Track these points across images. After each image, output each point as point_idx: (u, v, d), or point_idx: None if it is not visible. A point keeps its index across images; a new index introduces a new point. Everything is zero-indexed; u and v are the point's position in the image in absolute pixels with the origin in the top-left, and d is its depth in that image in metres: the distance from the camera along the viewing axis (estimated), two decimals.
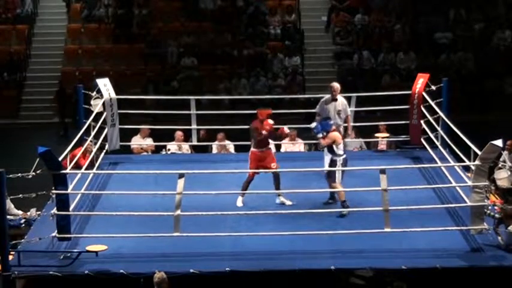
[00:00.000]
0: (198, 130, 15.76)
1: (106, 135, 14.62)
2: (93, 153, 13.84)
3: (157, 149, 16.42)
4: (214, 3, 25.32)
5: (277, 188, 12.37)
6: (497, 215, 11.09)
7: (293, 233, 11.18)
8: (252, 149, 12.74)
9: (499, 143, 10.81)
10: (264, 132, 12.56)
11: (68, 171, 11.20)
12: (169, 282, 9.74)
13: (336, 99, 13.66)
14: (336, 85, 13.83)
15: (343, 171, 12.06)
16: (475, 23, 24.97)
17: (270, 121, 12.68)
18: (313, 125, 12.52)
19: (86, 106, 14.70)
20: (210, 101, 21.05)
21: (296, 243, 11.02)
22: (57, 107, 23.26)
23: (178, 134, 16.12)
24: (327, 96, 13.78)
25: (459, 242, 11.07)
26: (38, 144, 10.90)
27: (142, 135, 16.34)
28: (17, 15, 25.32)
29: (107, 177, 13.57)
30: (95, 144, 14.07)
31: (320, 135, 12.20)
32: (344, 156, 12.20)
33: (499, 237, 10.93)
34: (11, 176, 10.38)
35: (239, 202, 12.36)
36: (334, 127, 12.46)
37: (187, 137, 15.95)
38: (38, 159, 10.73)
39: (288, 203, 12.36)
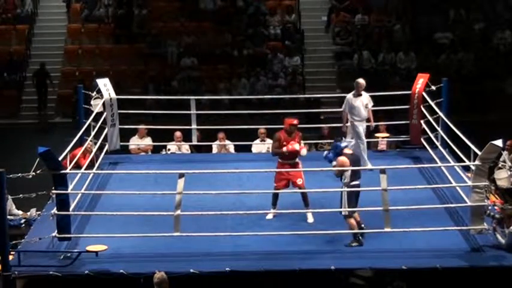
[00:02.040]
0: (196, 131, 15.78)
1: (106, 135, 14.63)
2: (93, 153, 13.84)
3: (157, 149, 16.43)
4: (214, 3, 25.32)
5: (306, 204, 11.95)
6: (497, 215, 11.09)
7: (293, 233, 11.19)
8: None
9: (499, 143, 10.81)
10: (284, 150, 11.98)
11: (68, 171, 11.20)
12: (169, 282, 9.74)
13: (361, 94, 14.11)
14: (362, 81, 14.17)
15: (355, 199, 11.16)
16: (475, 23, 24.97)
17: (296, 145, 11.92)
18: (325, 153, 12.07)
19: (86, 106, 14.71)
20: (210, 101, 21.05)
21: (296, 243, 11.03)
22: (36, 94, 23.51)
23: (177, 134, 16.12)
24: (351, 93, 14.16)
25: (459, 242, 11.07)
26: (38, 144, 10.90)
27: (139, 136, 16.34)
28: (17, 15, 25.33)
29: (107, 177, 13.58)
30: (95, 144, 14.08)
31: (334, 163, 11.47)
32: (354, 182, 11.16)
33: (499, 237, 10.93)
34: (11, 176, 10.38)
35: (269, 215, 11.97)
36: (345, 144, 11.79)
37: (187, 137, 15.95)
38: (38, 159, 10.73)
39: (310, 220, 11.89)
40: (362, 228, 11.19)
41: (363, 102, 14.08)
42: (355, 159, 11.51)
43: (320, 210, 11.59)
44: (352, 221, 11.09)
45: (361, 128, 14.09)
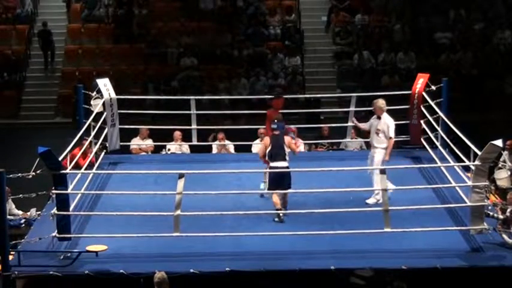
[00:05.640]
0: (198, 131, 15.77)
1: (106, 135, 14.63)
2: (93, 153, 13.84)
3: (157, 149, 16.43)
4: (214, 3, 25.32)
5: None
6: (501, 216, 11.10)
7: (293, 233, 11.19)
8: None
9: (499, 143, 10.82)
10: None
11: (68, 171, 11.20)
12: (169, 282, 9.75)
13: (379, 118, 12.88)
14: (377, 102, 12.95)
15: (275, 181, 11.88)
16: (475, 23, 24.97)
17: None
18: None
19: (86, 106, 14.71)
20: (210, 101, 21.05)
21: (296, 243, 11.03)
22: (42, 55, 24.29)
23: (177, 133, 16.12)
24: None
25: (459, 242, 11.08)
26: (38, 144, 10.90)
27: (141, 137, 16.33)
28: (17, 15, 25.31)
29: (107, 177, 13.57)
30: (95, 144, 14.08)
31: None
32: (271, 164, 12.03)
33: (506, 238, 10.91)
34: (11, 176, 10.39)
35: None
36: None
37: (187, 137, 15.95)
38: (38, 159, 10.73)
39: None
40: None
41: (376, 127, 12.76)
42: (275, 141, 12.12)
43: (320, 210, 11.59)
44: (275, 199, 11.87)
45: (371, 156, 12.85)
